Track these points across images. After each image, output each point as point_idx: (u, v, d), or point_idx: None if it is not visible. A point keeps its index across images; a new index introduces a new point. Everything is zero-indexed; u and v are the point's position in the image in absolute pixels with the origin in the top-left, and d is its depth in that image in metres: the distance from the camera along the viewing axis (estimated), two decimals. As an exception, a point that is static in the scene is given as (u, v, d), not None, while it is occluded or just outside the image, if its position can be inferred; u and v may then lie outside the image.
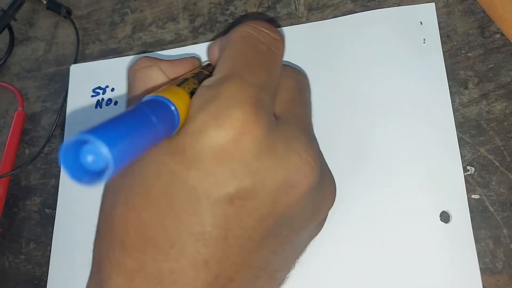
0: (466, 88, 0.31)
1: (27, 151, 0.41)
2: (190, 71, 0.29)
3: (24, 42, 0.45)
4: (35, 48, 0.44)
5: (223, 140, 0.21)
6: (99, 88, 0.39)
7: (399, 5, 0.34)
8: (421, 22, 0.33)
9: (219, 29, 0.38)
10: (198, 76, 0.26)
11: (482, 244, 0.28)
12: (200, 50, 0.38)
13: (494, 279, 0.27)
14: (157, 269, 0.22)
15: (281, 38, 0.27)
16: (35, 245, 0.37)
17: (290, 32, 0.36)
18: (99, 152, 0.18)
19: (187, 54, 0.38)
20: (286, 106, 0.26)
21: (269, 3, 0.38)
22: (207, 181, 0.22)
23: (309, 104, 0.30)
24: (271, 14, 0.37)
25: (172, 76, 0.28)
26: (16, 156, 0.40)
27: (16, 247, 0.38)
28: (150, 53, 0.39)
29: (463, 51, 0.32)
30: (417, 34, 0.33)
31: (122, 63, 0.40)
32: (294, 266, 0.27)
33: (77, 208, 0.37)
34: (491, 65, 0.31)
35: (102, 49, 0.41)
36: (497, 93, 0.30)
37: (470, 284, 0.27)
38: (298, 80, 0.29)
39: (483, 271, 0.27)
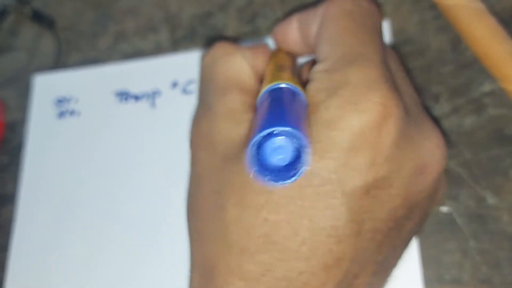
0: (437, 102, 0.32)
1: (6, 159, 0.41)
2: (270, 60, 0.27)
3: (6, 52, 0.45)
4: (17, 58, 0.45)
5: (365, 125, 0.20)
6: (64, 98, 0.40)
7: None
8: None
9: (199, 41, 0.39)
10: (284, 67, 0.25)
11: (449, 256, 0.28)
12: (181, 58, 0.38)
13: (461, 291, 0.28)
14: (284, 271, 0.20)
15: (376, 5, 0.25)
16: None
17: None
18: (288, 145, 0.17)
19: (167, 63, 0.38)
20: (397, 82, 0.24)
21: (249, 17, 0.38)
22: (344, 171, 0.20)
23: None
24: (250, 27, 0.38)
25: (253, 64, 0.26)
26: (-6, 164, 0.40)
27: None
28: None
29: (435, 67, 0.33)
30: None
31: (87, 74, 0.40)
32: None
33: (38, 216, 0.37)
34: (462, 81, 0.32)
35: (83, 59, 0.42)
36: (467, 107, 0.31)
37: None
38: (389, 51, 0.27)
39: (449, 282, 0.28)
